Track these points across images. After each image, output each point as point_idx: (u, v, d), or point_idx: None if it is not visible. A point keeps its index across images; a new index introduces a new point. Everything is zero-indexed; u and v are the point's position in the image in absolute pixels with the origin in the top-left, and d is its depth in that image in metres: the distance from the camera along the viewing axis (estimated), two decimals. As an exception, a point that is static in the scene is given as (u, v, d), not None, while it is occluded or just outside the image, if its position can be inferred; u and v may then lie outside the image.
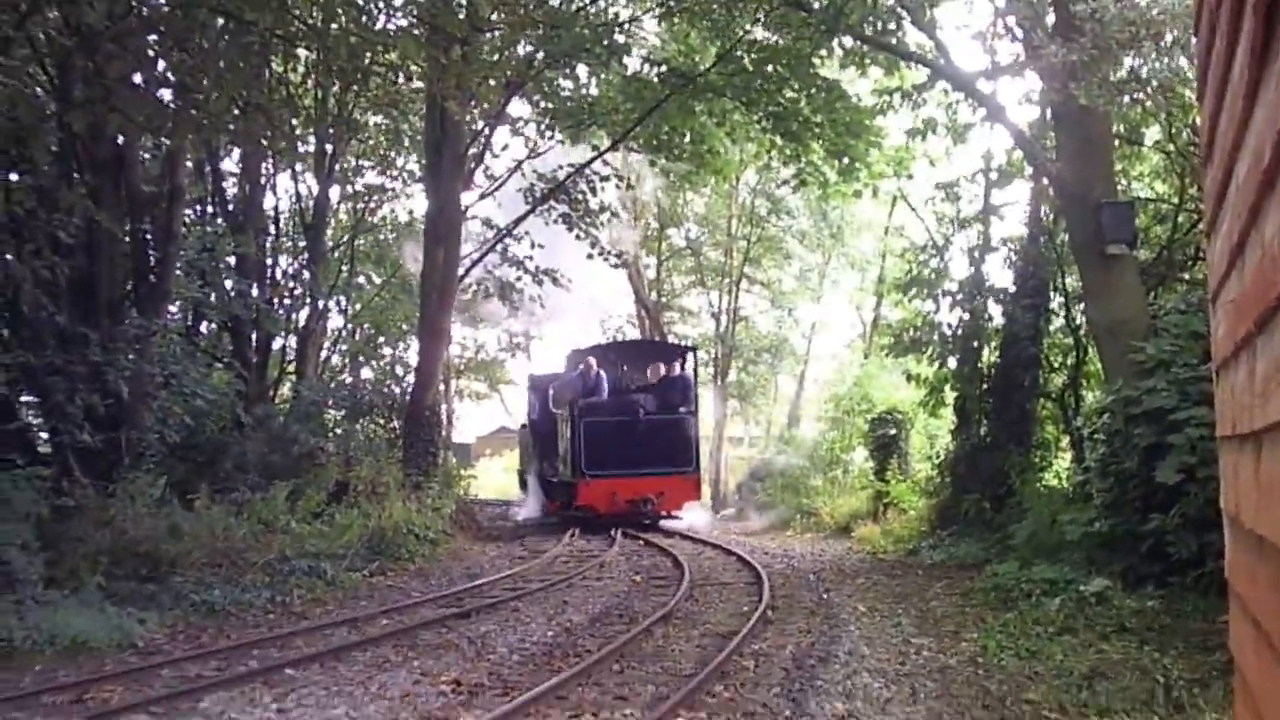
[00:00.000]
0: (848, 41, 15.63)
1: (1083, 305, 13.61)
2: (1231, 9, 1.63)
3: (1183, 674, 6.81)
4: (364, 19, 13.51)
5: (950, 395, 16.58)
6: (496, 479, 39.13)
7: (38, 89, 13.07)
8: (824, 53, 16.86)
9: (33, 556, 9.64)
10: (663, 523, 19.42)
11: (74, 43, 11.65)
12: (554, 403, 21.27)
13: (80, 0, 10.81)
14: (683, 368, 20.62)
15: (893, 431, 19.69)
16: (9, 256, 12.21)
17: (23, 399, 13.03)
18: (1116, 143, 13.89)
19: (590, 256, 29.82)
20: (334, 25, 12.80)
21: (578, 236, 31.91)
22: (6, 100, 11.11)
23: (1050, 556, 10.95)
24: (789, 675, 7.58)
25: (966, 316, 16.23)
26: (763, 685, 7.31)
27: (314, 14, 13.06)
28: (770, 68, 17.57)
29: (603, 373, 19.83)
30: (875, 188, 20.38)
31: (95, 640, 8.61)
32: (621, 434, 18.99)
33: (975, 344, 16.10)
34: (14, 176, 12.80)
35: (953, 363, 16.47)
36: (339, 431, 19.67)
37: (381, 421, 20.64)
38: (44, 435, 12.90)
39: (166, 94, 14.01)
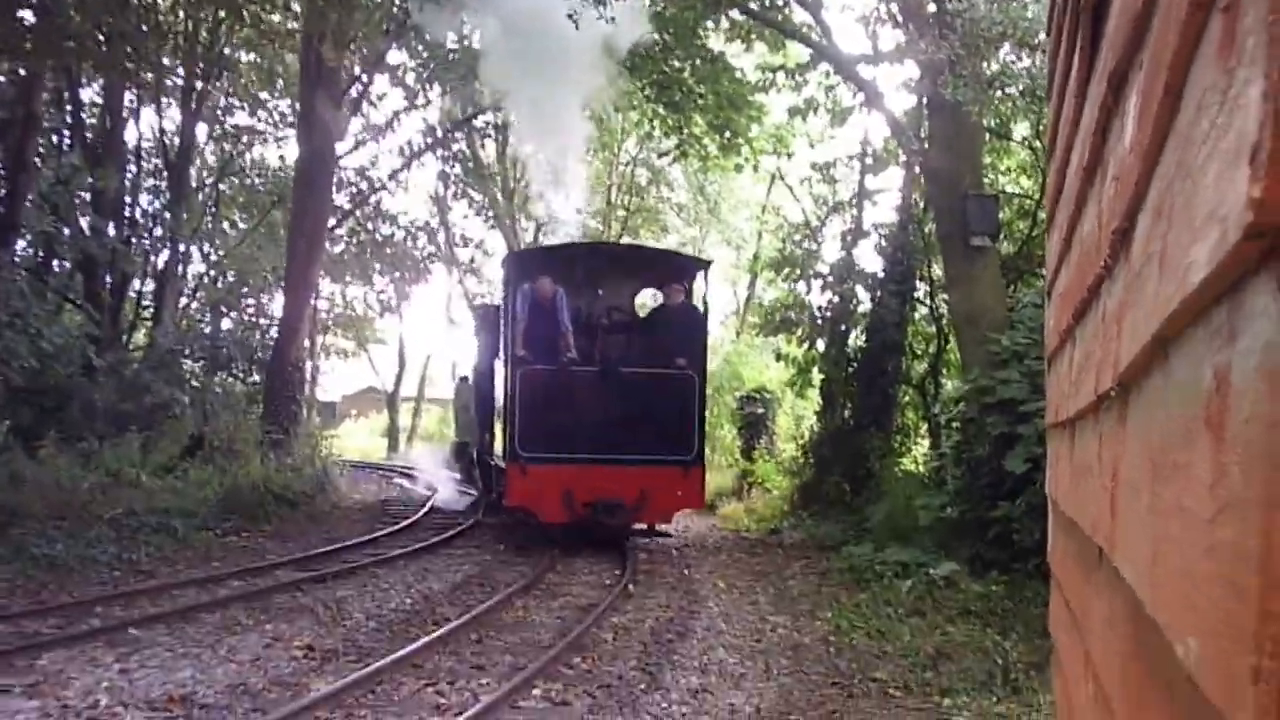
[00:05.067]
0: (734, 14, 15.68)
1: (946, 294, 13.99)
2: (1071, 11, 1.69)
3: (1021, 657, 7.13)
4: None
5: (818, 377, 16.86)
6: (361, 441, 38.51)
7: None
8: (710, 24, 16.88)
9: None
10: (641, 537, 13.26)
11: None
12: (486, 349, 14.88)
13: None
14: (689, 294, 13.29)
15: (761, 410, 19.98)
16: None
17: None
18: (986, 136, 14.27)
19: (466, 216, 29.26)
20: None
21: (455, 195, 31.43)
22: None
23: (904, 539, 11.33)
24: (646, 648, 7.66)
25: (836, 299, 16.50)
26: (620, 658, 7.37)
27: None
28: (657, 35, 17.50)
29: (563, 293, 12.54)
30: (756, 163, 20.48)
31: (-78, 593, 8.19)
32: (582, 396, 12.27)
33: (843, 327, 16.39)
34: None
35: (821, 345, 16.75)
36: (196, 383, 19.00)
37: (241, 375, 19.97)
38: None
39: (26, 15, 13.22)
